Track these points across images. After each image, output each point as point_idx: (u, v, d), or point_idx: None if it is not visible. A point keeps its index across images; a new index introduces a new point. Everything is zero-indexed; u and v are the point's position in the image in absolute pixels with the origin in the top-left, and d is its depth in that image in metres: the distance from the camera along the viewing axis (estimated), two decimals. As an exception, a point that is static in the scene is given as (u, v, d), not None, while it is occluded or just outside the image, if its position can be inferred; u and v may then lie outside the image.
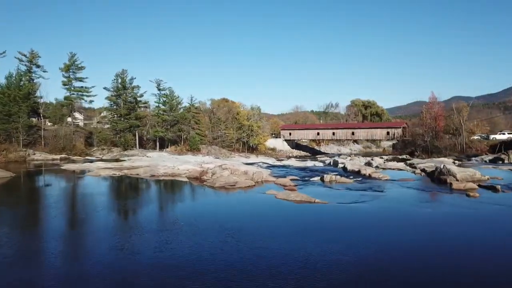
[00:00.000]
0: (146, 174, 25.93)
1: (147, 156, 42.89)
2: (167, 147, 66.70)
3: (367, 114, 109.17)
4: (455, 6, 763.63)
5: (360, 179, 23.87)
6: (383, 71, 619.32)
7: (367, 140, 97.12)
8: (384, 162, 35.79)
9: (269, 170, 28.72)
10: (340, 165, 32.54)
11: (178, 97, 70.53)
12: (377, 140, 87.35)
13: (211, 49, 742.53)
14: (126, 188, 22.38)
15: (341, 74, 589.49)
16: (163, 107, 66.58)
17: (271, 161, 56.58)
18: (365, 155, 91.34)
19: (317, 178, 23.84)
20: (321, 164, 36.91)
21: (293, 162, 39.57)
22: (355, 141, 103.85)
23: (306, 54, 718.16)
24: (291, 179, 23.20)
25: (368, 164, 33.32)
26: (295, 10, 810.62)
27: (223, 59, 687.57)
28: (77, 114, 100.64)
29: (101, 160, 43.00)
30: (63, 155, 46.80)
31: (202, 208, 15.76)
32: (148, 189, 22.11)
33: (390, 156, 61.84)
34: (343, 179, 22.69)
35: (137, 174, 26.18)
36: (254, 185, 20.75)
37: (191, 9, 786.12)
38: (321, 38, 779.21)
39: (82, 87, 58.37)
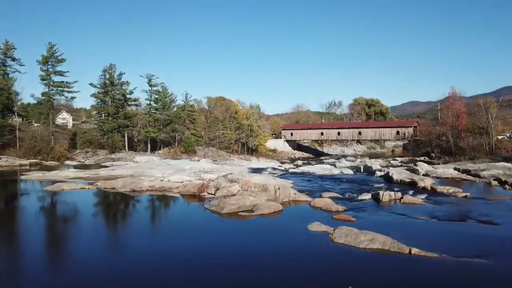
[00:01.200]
0: (125, 188, 18.70)
1: (133, 161, 35.38)
2: (160, 149, 59.26)
3: (370, 113, 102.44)
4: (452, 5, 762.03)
5: (425, 196, 16.83)
6: (379, 71, 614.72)
7: (371, 141, 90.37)
8: (433, 169, 27.83)
9: (290, 181, 21.52)
10: (379, 173, 25.47)
11: (172, 94, 63.19)
12: (386, 140, 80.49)
13: (205, 44, 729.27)
14: (81, 216, 14.75)
15: (342, 72, 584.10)
16: (155, 105, 59.17)
17: (275, 164, 49.59)
18: (371, 156, 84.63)
19: (367, 196, 16.74)
20: (350, 172, 29.57)
21: (313, 169, 32.20)
22: (359, 142, 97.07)
23: (306, 51, 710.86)
24: (330, 197, 16.09)
25: (413, 171, 25.79)
26: (296, 6, 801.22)
27: (220, 56, 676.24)
28: (65, 114, 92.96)
29: (80, 166, 35.52)
30: (35, 160, 39.25)
31: (206, 271, 8.43)
32: (116, 218, 14.58)
33: (406, 158, 54.91)
34: (409, 198, 15.63)
35: (114, 188, 18.90)
36: (281, 210, 13.62)
37: (188, 3, 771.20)
38: (321, 35, 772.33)
39: (62, 82, 50.75)
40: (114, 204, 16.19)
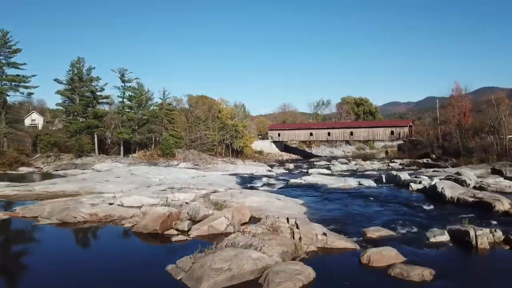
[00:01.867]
0: (52, 217, 12.25)
1: (93, 169, 28.46)
2: (135, 152, 52.51)
3: (359, 112, 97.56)
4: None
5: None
6: (362, 71, 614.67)
7: (361, 141, 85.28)
8: (480, 180, 21.71)
9: (299, 201, 14.98)
10: (415, 186, 19.27)
11: (148, 91, 56.46)
12: (379, 140, 75.42)
13: (185, 38, 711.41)
14: None
15: (329, 71, 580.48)
16: (128, 102, 52.40)
17: (264, 168, 43.70)
18: (361, 157, 79.48)
19: (443, 237, 9.76)
20: (371, 184, 21.83)
21: (322, 179, 23.93)
22: (348, 142, 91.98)
23: (292, 49, 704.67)
24: (379, 236, 9.94)
25: (457, 181, 19.65)
26: (282, 5, 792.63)
27: (200, 51, 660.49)
28: (35, 115, 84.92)
29: (17, 177, 28.58)
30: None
31: None
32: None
33: (406, 160, 49.58)
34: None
35: (37, 217, 12.46)
36: (313, 281, 7.23)
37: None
38: (308, 32, 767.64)
39: (17, 75, 43.54)
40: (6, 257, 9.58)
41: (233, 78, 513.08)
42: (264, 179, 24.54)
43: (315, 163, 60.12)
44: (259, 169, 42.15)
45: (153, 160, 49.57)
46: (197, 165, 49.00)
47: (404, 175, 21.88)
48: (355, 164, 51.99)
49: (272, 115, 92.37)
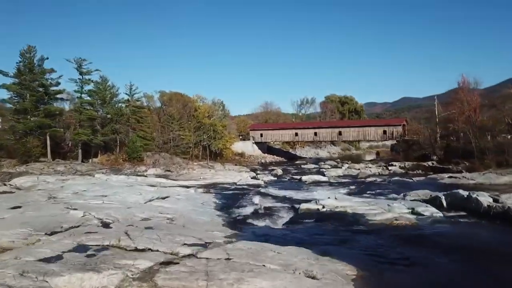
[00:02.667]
0: None
1: (10, 186, 20.47)
2: (96, 156, 44.62)
3: (344, 111, 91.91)
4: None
5: None
6: (343, 71, 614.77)
7: (348, 141, 79.34)
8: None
9: (342, 264, 7.87)
10: (484, 200, 12.32)
11: (114, 86, 48.54)
12: (371, 140, 69.56)
13: (154, 30, 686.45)
14: None
15: (312, 68, 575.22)
16: (88, 98, 44.36)
17: (248, 175, 36.88)
18: (346, 158, 73.57)
19: None
20: (435, 213, 13.26)
21: (351, 203, 15.10)
22: (332, 143, 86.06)
23: (273, 44, 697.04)
24: None
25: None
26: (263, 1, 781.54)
27: (173, 45, 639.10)
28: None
29: None
30: None
31: None
32: None
33: (408, 164, 43.52)
34: None
35: None
36: None
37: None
38: (287, 29, 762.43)
39: None
40: None
41: (211, 76, 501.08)
42: (256, 199, 17.31)
43: (302, 166, 53.67)
44: (242, 175, 35.23)
45: (117, 166, 41.89)
46: (169, 171, 41.62)
47: (486, 198, 13.81)
48: (348, 168, 45.78)
49: (253, 115, 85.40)
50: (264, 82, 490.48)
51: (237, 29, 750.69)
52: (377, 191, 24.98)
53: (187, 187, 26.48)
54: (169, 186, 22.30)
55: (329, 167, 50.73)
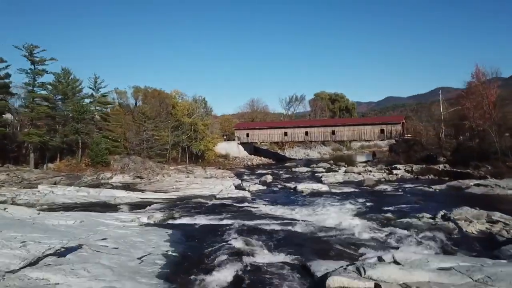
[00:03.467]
0: None
1: None
2: (52, 161, 37.75)
3: (335, 109, 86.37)
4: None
5: None
6: (332, 71, 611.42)
7: (341, 141, 73.60)
8: None
9: None
10: None
11: (78, 80, 41.60)
12: (367, 140, 63.86)
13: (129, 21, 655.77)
14: None
15: (297, 67, 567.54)
16: (43, 92, 37.42)
17: (233, 182, 30.89)
18: (337, 159, 67.91)
19: None
20: None
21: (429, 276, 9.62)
22: (323, 143, 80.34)
23: (256, 42, 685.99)
24: None
25: None
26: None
27: (150, 38, 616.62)
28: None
29: None
30: None
31: None
32: None
33: (416, 167, 37.88)
34: None
35: None
36: None
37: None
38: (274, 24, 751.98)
39: None
40: None
41: (194, 74, 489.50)
42: (238, 241, 10.47)
43: (293, 169, 47.65)
44: (225, 184, 29.01)
45: (77, 172, 35.12)
46: (140, 177, 35.17)
47: None
48: (346, 171, 39.97)
49: (239, 114, 78.85)
50: (250, 80, 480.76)
51: (221, 23, 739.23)
52: (398, 206, 19.04)
53: (150, 203, 20.11)
54: (110, 212, 15.85)
55: (323, 170, 44.89)
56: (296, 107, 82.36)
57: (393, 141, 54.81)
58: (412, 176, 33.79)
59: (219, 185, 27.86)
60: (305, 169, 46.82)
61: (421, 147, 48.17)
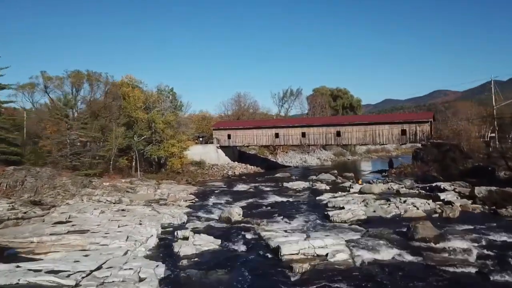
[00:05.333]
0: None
1: None
2: None
3: (337, 107, 72.55)
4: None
5: None
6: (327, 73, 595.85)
7: (348, 145, 59.41)
8: None
9: None
10: None
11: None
12: (381, 144, 49.69)
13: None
14: None
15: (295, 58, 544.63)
16: None
17: (181, 216, 16.69)
18: (340, 166, 54.04)
19: None
20: None
21: None
22: (323, 147, 66.40)
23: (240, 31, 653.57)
24: None
25: None
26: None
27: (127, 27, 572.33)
28: None
29: None
30: None
31: None
32: None
33: (481, 191, 23.72)
34: None
35: None
36: None
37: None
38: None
39: None
40: None
41: (173, 68, 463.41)
42: None
43: (284, 184, 33.70)
44: (162, 221, 16.20)
45: None
46: (39, 203, 21.62)
47: None
48: (361, 193, 26.28)
49: (219, 116, 64.37)
50: (238, 76, 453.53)
51: (205, 13, 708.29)
52: None
53: None
54: None
55: (326, 187, 31.13)
56: (292, 104, 68.24)
57: (418, 145, 40.82)
58: (484, 208, 19.72)
59: (146, 229, 14.30)
60: (301, 184, 32.98)
61: (461, 155, 34.36)
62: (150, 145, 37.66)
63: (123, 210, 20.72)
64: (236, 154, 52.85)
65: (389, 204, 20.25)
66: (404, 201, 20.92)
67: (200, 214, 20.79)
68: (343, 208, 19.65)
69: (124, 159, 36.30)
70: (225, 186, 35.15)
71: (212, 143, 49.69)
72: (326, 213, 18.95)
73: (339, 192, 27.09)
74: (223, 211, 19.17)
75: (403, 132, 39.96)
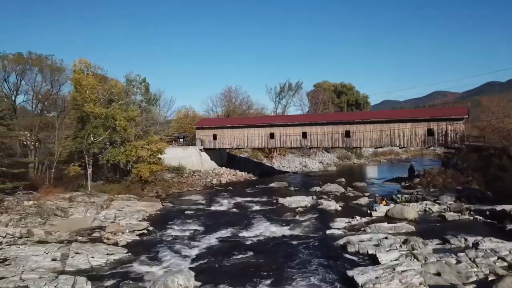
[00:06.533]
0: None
1: None
2: None
3: (341, 103, 64.11)
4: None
5: None
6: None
7: (356, 148, 50.93)
8: None
9: None
10: None
11: None
12: (402, 147, 41.04)
13: None
14: None
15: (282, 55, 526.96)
16: None
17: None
18: (346, 171, 45.76)
19: None
20: None
21: None
22: (326, 149, 57.99)
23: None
24: None
25: None
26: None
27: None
28: None
29: None
30: None
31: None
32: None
33: None
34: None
35: None
36: None
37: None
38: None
39: None
40: None
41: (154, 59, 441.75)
42: None
43: (279, 200, 25.40)
44: None
45: None
46: None
47: None
48: (393, 219, 18.26)
49: (208, 110, 55.97)
50: (230, 71, 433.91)
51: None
52: None
53: None
54: None
55: (336, 204, 23.39)
56: (290, 100, 59.55)
57: (450, 148, 32.46)
58: None
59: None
60: (302, 200, 24.92)
61: (511, 162, 25.94)
62: (109, 148, 29.25)
63: (5, 259, 12.37)
64: (225, 158, 44.51)
65: (455, 256, 11.79)
66: (476, 246, 12.53)
67: (135, 268, 12.41)
68: (375, 259, 11.37)
69: (76, 166, 27.94)
70: (203, 202, 26.88)
71: (195, 144, 41.32)
72: (349, 273, 10.56)
73: (357, 218, 18.78)
74: (158, 282, 10.47)
75: (430, 132, 31.62)
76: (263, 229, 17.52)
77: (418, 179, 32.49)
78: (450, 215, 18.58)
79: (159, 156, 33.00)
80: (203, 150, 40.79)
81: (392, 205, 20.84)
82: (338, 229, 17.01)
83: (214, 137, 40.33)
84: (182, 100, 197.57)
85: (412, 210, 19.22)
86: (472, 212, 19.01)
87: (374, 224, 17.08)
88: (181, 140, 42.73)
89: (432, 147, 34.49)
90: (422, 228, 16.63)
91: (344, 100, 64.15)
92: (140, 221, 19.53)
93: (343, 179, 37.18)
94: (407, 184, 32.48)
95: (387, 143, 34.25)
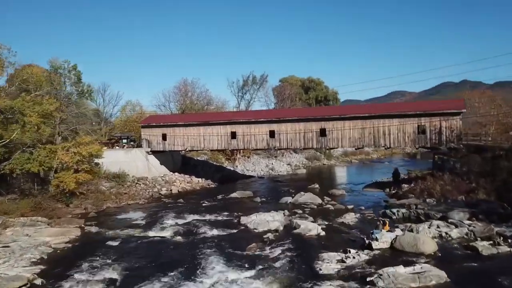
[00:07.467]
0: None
1: None
2: None
3: (309, 100, 58.76)
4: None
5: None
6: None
7: (331, 148, 45.48)
8: None
9: None
10: None
11: None
12: (388, 148, 35.43)
13: None
14: None
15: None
16: None
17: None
18: (315, 174, 40.36)
19: None
20: None
21: None
22: (294, 150, 52.34)
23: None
24: None
25: None
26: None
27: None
28: None
29: None
30: None
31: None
32: None
33: None
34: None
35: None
36: None
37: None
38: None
39: None
40: None
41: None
42: None
43: (241, 219, 19.05)
44: None
45: None
46: None
47: None
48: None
49: (159, 106, 48.46)
50: (185, 65, 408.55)
51: None
52: None
53: None
54: None
55: (316, 225, 17.56)
56: (255, 95, 53.28)
57: (444, 147, 27.36)
58: None
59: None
60: (271, 219, 18.97)
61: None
62: (17, 154, 21.74)
63: None
64: (178, 162, 37.68)
65: None
66: None
67: None
68: None
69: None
70: (141, 223, 20.24)
71: (141, 146, 34.19)
72: None
73: (352, 252, 12.94)
74: None
75: (422, 130, 26.62)
76: (216, 278, 11.26)
77: (407, 186, 27.32)
78: (482, 246, 13.08)
79: (96, 161, 25.99)
80: (150, 153, 33.77)
81: (396, 230, 15.09)
82: (330, 276, 11.02)
83: (164, 137, 33.41)
84: (131, 95, 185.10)
85: (429, 240, 13.63)
86: (509, 240, 13.63)
87: (384, 270, 11.14)
88: (124, 141, 35.40)
89: (424, 147, 29.44)
90: (454, 272, 10.99)
91: (312, 96, 58.97)
92: (30, 265, 12.67)
93: (317, 186, 31.63)
94: (393, 192, 27.32)
95: (370, 143, 28.83)
